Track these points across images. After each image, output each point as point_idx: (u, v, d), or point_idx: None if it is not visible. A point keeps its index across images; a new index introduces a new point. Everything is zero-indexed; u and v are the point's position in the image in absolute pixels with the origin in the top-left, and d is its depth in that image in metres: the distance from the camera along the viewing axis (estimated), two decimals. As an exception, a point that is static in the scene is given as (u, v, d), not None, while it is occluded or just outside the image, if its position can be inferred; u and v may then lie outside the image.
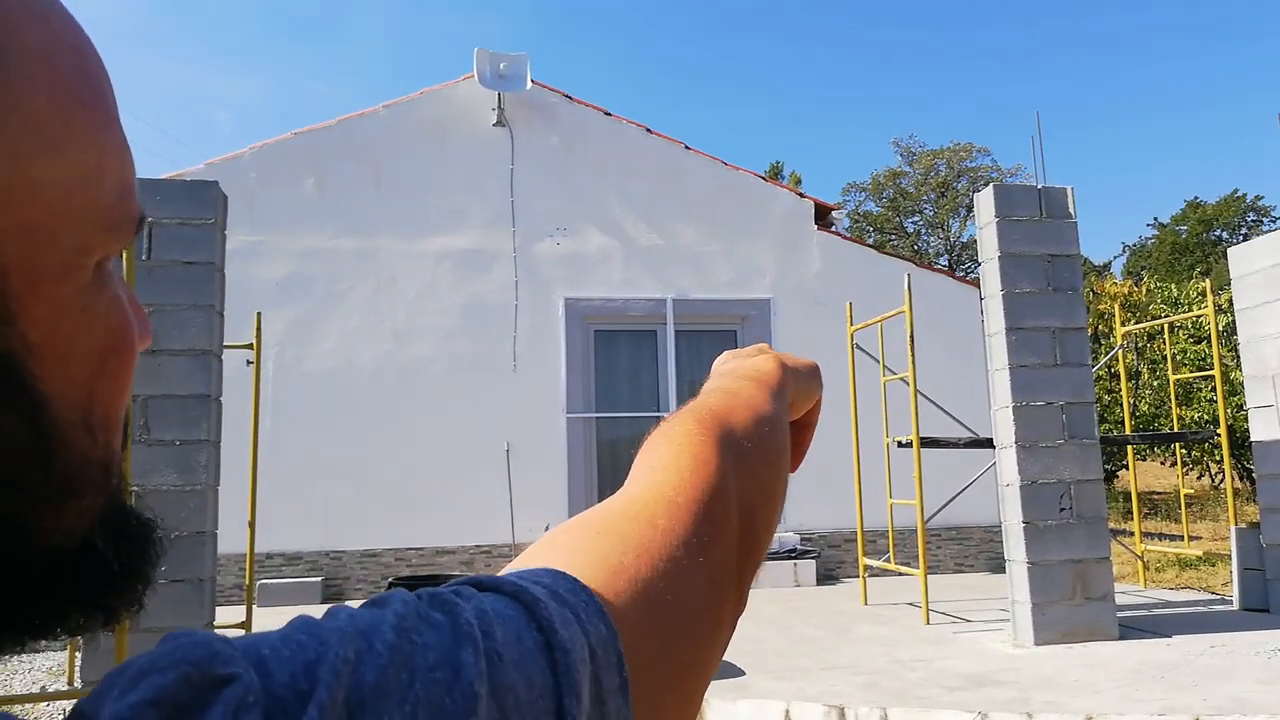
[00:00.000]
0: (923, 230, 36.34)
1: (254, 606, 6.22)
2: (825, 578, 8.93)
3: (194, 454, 4.81)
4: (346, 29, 75.75)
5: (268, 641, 0.31)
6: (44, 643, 0.38)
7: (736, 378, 0.67)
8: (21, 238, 0.32)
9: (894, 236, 35.36)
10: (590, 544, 0.44)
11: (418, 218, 9.42)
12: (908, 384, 6.54)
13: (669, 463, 0.52)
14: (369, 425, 8.93)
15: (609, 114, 10.09)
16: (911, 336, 6.50)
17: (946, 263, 33.81)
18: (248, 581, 6.35)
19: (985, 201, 6.04)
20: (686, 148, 10.11)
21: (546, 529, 9.06)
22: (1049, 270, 5.92)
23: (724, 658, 3.63)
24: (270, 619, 7.39)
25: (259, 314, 6.83)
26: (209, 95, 76.47)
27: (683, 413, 0.59)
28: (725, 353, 0.77)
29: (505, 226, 9.55)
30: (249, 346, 6.57)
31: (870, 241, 26.12)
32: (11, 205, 0.32)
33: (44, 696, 4.59)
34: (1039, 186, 6.10)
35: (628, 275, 9.66)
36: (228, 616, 6.51)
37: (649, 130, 10.11)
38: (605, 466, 9.46)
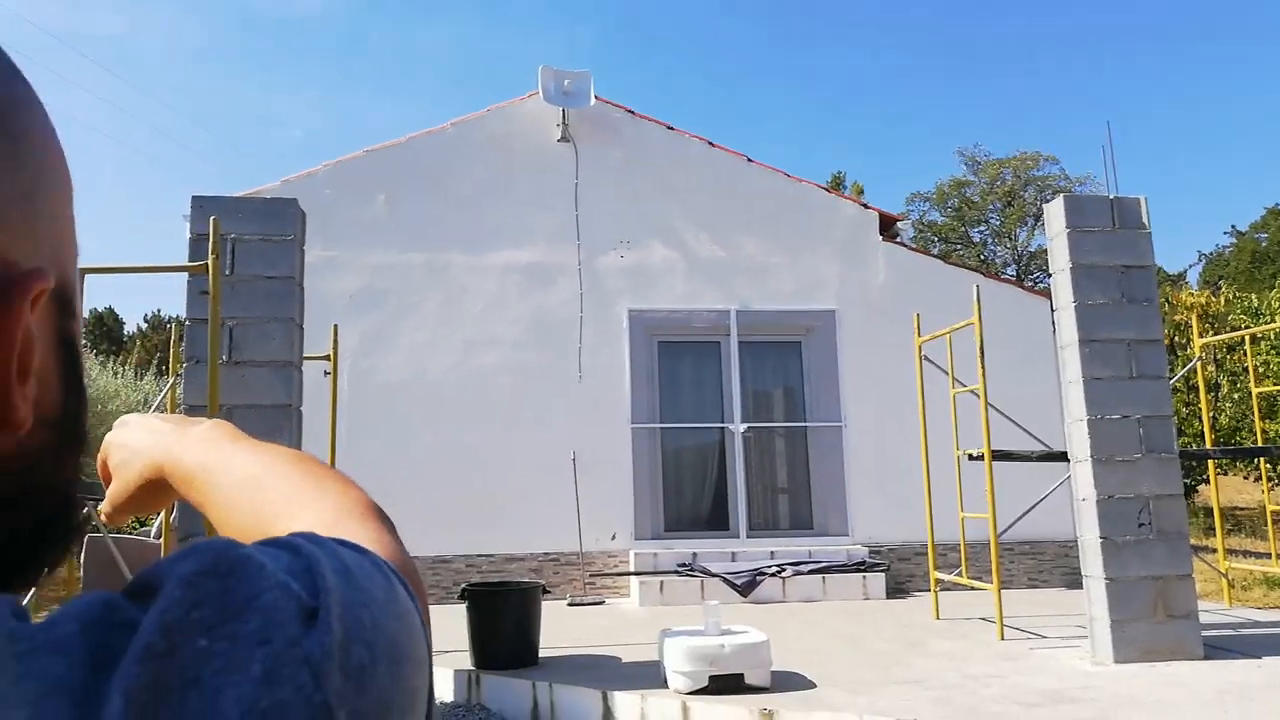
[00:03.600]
0: (989, 240, 35.70)
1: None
2: (895, 591, 8.82)
3: (276, 462, 4.96)
4: (414, 47, 77.29)
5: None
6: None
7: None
8: (73, 260, 0.47)
9: (959, 246, 34.80)
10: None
11: (485, 232, 9.59)
12: (978, 396, 6.45)
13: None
14: (439, 434, 9.09)
15: (671, 128, 10.17)
16: (981, 348, 6.42)
17: (1014, 273, 33.19)
18: (324, 587, 6.51)
19: (1055, 212, 5.95)
20: (749, 160, 10.14)
21: (613, 538, 9.14)
22: (1123, 281, 5.80)
23: (794, 669, 3.66)
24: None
25: (335, 326, 7.03)
26: (279, 113, 78.64)
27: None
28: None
29: (570, 240, 9.67)
30: (326, 358, 6.77)
31: (935, 251, 25.80)
32: (70, 238, 0.47)
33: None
34: (1111, 197, 5.99)
35: (691, 287, 9.70)
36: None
37: (711, 144, 10.16)
38: (670, 476, 9.49)
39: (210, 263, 4.45)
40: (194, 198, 5.25)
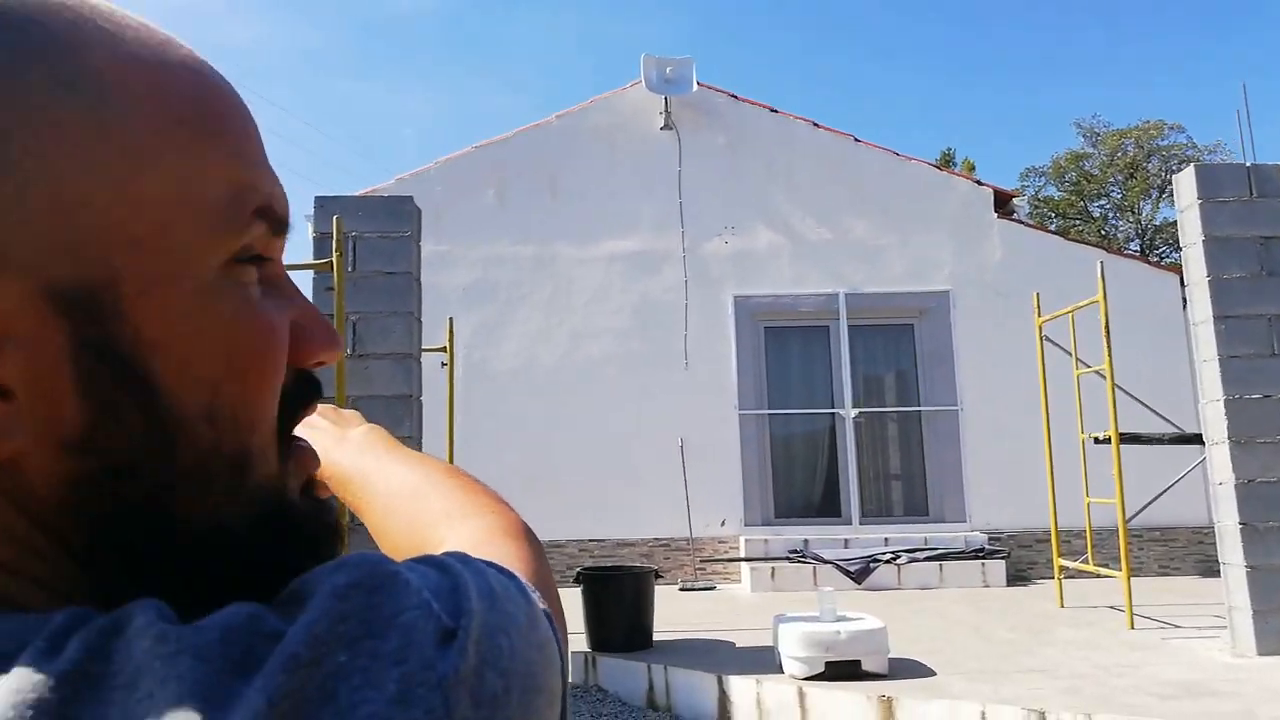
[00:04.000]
0: (1110, 214, 34.10)
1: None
2: (1015, 579, 8.56)
3: (399, 451, 5.13)
4: (518, 42, 78.37)
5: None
6: None
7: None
8: (128, 249, 0.38)
9: (1078, 221, 33.33)
10: None
11: (590, 223, 9.70)
12: (1103, 377, 6.19)
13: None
14: (550, 422, 9.27)
15: (775, 110, 10.06)
16: (1107, 327, 6.16)
17: (1137, 248, 31.63)
18: (445, 571, 6.73)
19: (1185, 183, 5.65)
20: (856, 140, 9.95)
21: (723, 524, 9.16)
22: (1262, 253, 5.47)
23: (912, 656, 3.56)
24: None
25: (450, 319, 7.24)
26: (396, 112, 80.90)
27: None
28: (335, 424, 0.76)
29: (674, 227, 9.69)
30: (442, 349, 6.98)
31: (1052, 228, 24.78)
32: (118, 223, 0.38)
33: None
34: (1248, 164, 5.66)
35: (798, 271, 9.59)
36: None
37: (816, 125, 10.01)
38: (779, 462, 9.44)
39: (334, 260, 4.64)
40: (317, 198, 5.48)
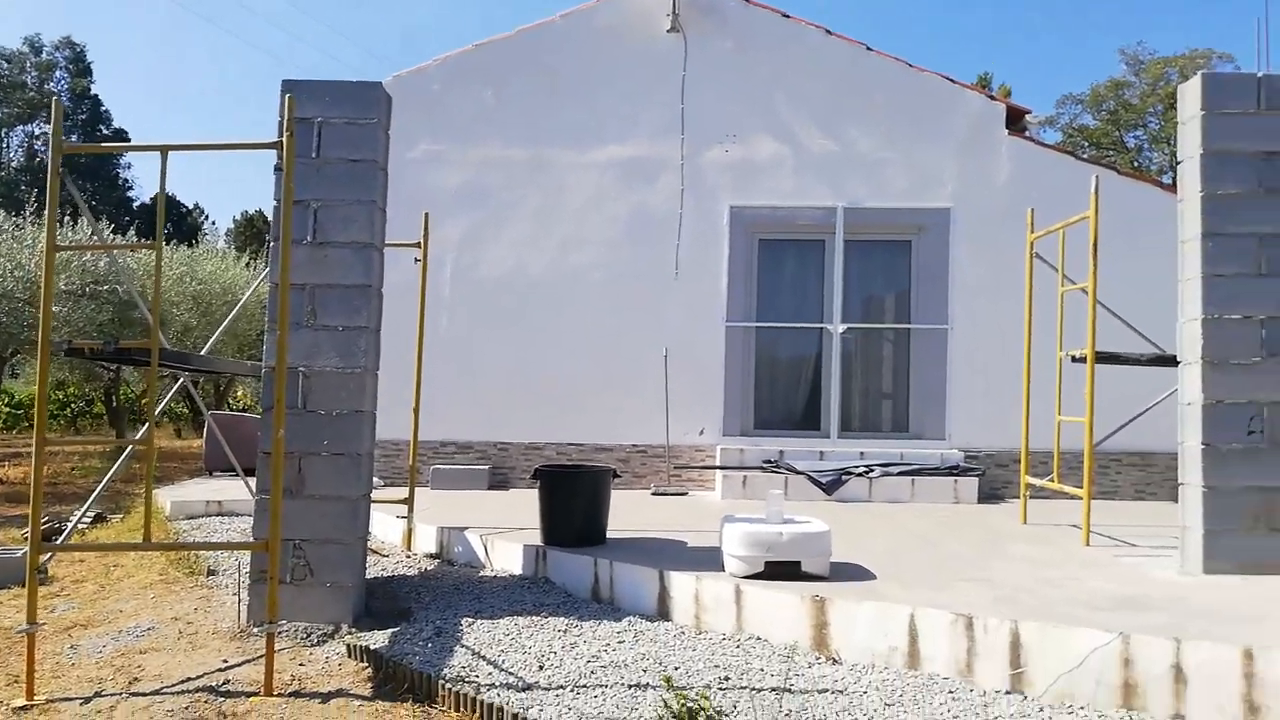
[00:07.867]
0: (1144, 146, 33.09)
1: (418, 487, 6.65)
2: (988, 497, 8.54)
3: (354, 340, 5.08)
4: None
5: None
6: None
7: None
8: None
9: (1112, 151, 32.38)
10: None
11: (588, 127, 9.49)
12: (1086, 294, 6.02)
13: None
14: (537, 328, 9.25)
15: (787, 16, 9.70)
16: (1095, 243, 5.96)
17: (1171, 180, 30.72)
18: (411, 462, 6.79)
19: (1191, 93, 5.39)
20: (868, 49, 9.59)
21: (701, 433, 9.16)
22: (1263, 169, 5.23)
23: (857, 561, 3.58)
24: (440, 498, 7.90)
25: (426, 215, 7.15)
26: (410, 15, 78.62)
27: None
28: None
29: (674, 134, 9.47)
30: (416, 245, 6.91)
31: (1084, 157, 24.09)
32: None
33: (227, 545, 5.11)
34: (1259, 75, 5.38)
35: (798, 183, 9.38)
36: (397, 494, 7.00)
37: (829, 32, 9.65)
38: (763, 376, 9.39)
39: (284, 141, 4.52)
40: (284, 81, 5.31)
